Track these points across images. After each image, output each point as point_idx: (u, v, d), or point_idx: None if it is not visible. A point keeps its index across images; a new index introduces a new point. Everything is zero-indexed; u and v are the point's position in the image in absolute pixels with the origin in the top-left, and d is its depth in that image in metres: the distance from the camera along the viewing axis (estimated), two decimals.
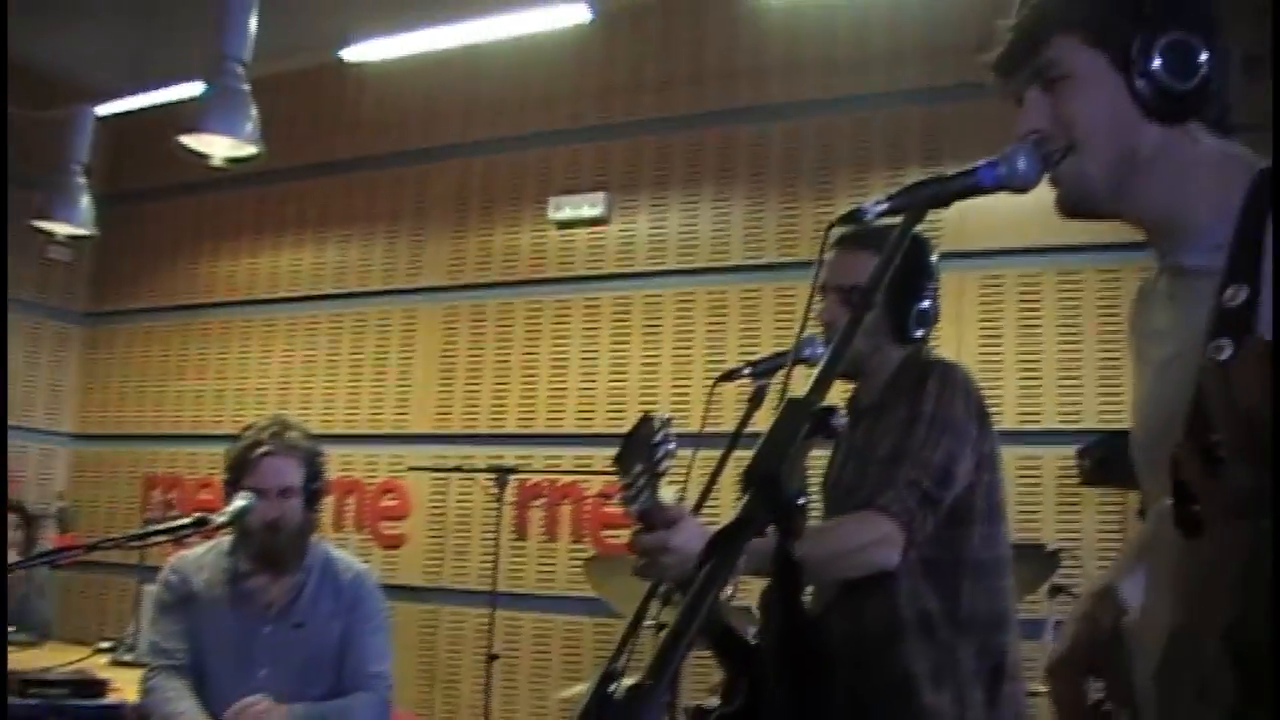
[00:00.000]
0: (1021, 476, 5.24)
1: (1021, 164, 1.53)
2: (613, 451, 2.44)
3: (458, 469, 6.29)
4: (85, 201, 5.89)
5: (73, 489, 7.93)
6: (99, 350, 8.20)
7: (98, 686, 4.22)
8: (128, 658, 5.39)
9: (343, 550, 3.90)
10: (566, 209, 6.62)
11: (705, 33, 6.49)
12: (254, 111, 4.40)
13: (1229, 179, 1.53)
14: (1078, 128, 1.59)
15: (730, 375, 3.31)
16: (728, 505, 1.24)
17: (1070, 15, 1.62)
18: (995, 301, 5.56)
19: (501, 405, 6.67)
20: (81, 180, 5.87)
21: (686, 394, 6.08)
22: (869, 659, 2.65)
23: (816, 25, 6.12)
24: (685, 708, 4.41)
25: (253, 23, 4.47)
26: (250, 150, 4.44)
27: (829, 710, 1.47)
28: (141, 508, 7.48)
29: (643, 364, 6.31)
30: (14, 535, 6.08)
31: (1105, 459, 4.74)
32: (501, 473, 5.69)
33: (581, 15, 6.25)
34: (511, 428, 6.62)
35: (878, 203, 1.56)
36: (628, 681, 2.42)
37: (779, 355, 3.28)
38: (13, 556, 5.62)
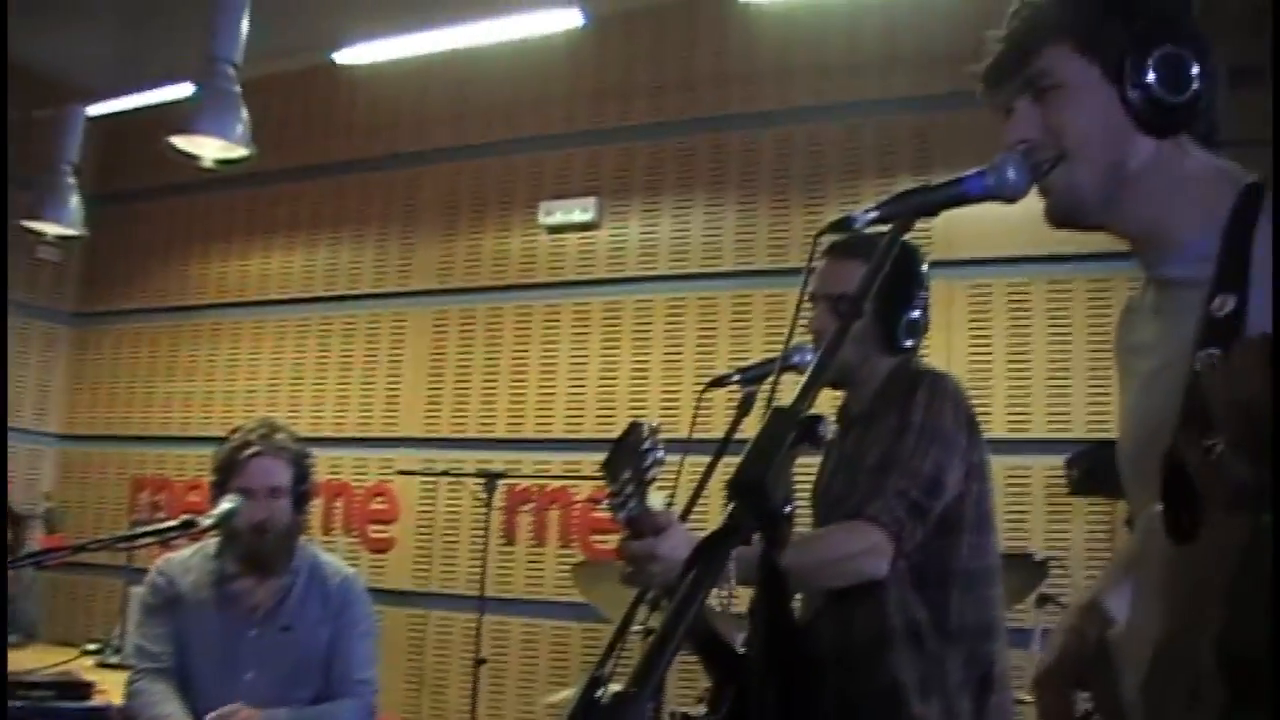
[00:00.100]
0: (1010, 485, 5.24)
1: (1010, 174, 1.53)
2: (602, 457, 2.44)
3: (446, 473, 6.28)
4: (75, 202, 5.88)
5: (60, 490, 7.90)
6: (88, 351, 8.18)
7: (83, 689, 4.21)
8: (114, 660, 5.39)
9: (331, 554, 3.89)
10: (557, 213, 6.61)
11: (697, 39, 6.49)
12: (245, 113, 4.39)
13: (1217, 194, 1.54)
14: (1069, 137, 1.60)
15: (719, 382, 3.31)
16: (716, 512, 1.23)
17: (1064, 25, 1.62)
18: (984, 310, 5.56)
19: (491, 409, 6.66)
20: (71, 180, 5.86)
21: (676, 400, 6.08)
22: (857, 667, 2.64)
23: (808, 32, 6.13)
24: (672, 713, 4.42)
25: (244, 24, 4.46)
26: (241, 152, 4.44)
27: (816, 718, 1.47)
28: (129, 509, 7.48)
29: (633, 369, 6.31)
30: None
31: (1093, 468, 4.75)
32: (490, 477, 5.69)
33: (574, 20, 6.26)
34: (501, 432, 6.61)
35: (866, 211, 1.56)
36: (614, 687, 2.41)
37: (768, 362, 3.28)
38: None
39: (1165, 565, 1.30)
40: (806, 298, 2.93)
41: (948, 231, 5.23)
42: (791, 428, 1.23)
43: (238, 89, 4.40)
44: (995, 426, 5.29)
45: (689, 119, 6.42)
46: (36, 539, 6.80)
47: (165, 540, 3.52)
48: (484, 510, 5.68)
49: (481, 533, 5.72)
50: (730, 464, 1.26)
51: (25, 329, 7.91)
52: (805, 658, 2.67)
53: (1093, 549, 5.20)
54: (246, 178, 6.53)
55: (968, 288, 5.57)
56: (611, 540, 2.47)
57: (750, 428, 1.27)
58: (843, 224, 1.60)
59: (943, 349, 5.38)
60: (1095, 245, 1.74)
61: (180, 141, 4.44)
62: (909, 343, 2.84)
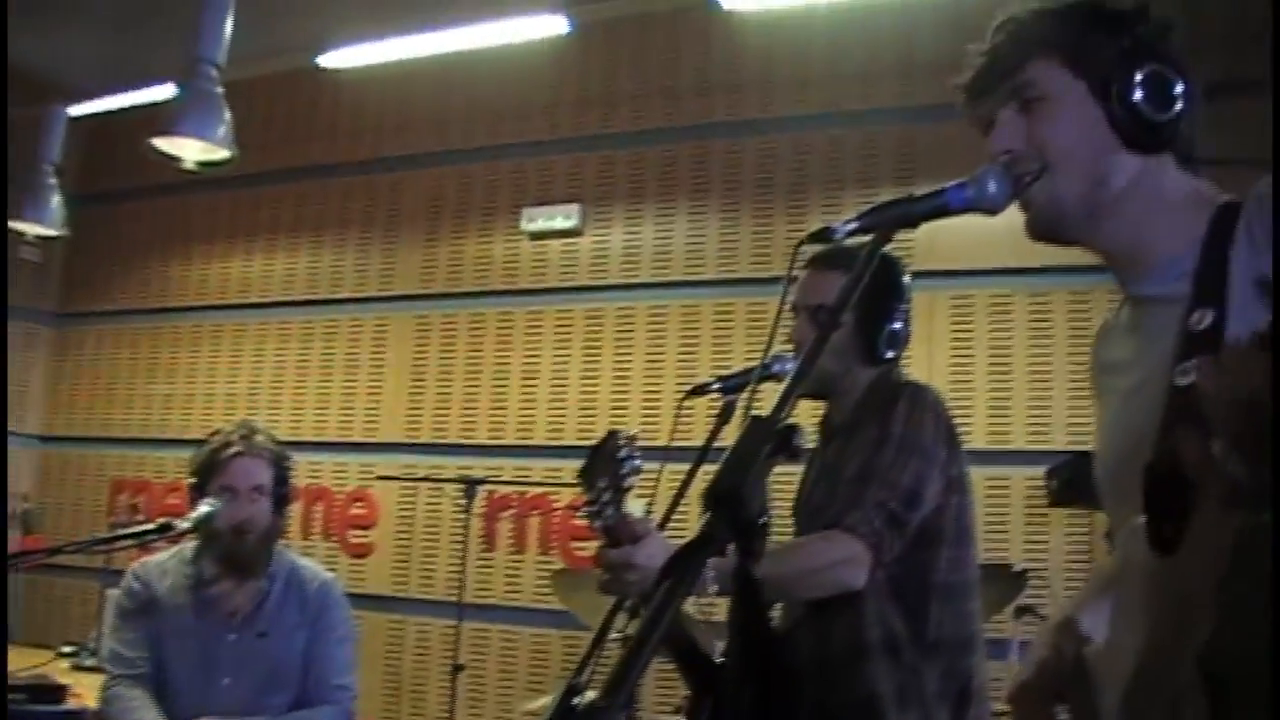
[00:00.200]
0: (990, 496, 5.25)
1: (991, 186, 1.54)
2: (583, 464, 2.44)
3: (426, 479, 6.27)
4: (56, 202, 5.86)
5: (39, 491, 7.86)
6: (68, 351, 8.14)
7: (57, 692, 4.19)
8: (89, 663, 5.36)
9: (309, 559, 3.88)
10: (540, 220, 6.60)
11: (681, 47, 6.49)
12: (227, 115, 4.37)
13: (1194, 214, 1.55)
14: (1053, 150, 1.60)
15: (700, 390, 3.31)
16: (695, 520, 1.23)
17: (1051, 40, 1.63)
18: (966, 322, 5.57)
19: (472, 416, 6.65)
20: (52, 180, 5.84)
21: (657, 407, 6.07)
22: (835, 678, 2.64)
23: (792, 41, 6.13)
24: None
25: (228, 26, 4.44)
26: (222, 154, 4.42)
27: None
28: (108, 511, 7.44)
29: (614, 377, 6.30)
30: None
31: (1073, 480, 4.75)
32: (470, 483, 5.67)
33: (558, 27, 6.25)
34: (481, 438, 6.60)
35: (847, 222, 1.56)
36: (592, 695, 2.41)
37: (749, 371, 3.30)
38: None
39: (1147, 579, 1.30)
40: (787, 308, 2.93)
41: (930, 242, 5.24)
42: (768, 438, 1.23)
43: (220, 91, 4.37)
44: (976, 437, 5.31)
45: (672, 127, 6.42)
46: (14, 540, 6.76)
47: (143, 543, 3.51)
48: (464, 516, 5.66)
49: (461, 539, 5.71)
50: (710, 472, 1.25)
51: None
52: (783, 668, 2.67)
53: (1072, 560, 5.21)
54: (229, 180, 6.50)
55: (949, 299, 5.58)
56: (591, 548, 2.47)
57: (730, 436, 1.27)
58: (823, 234, 1.60)
59: (924, 359, 5.39)
60: (1076, 258, 1.74)
61: (161, 143, 4.42)
62: (890, 354, 2.84)
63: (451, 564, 6.20)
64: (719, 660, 2.61)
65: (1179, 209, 1.58)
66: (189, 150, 4.46)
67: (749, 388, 3.08)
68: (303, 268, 7.33)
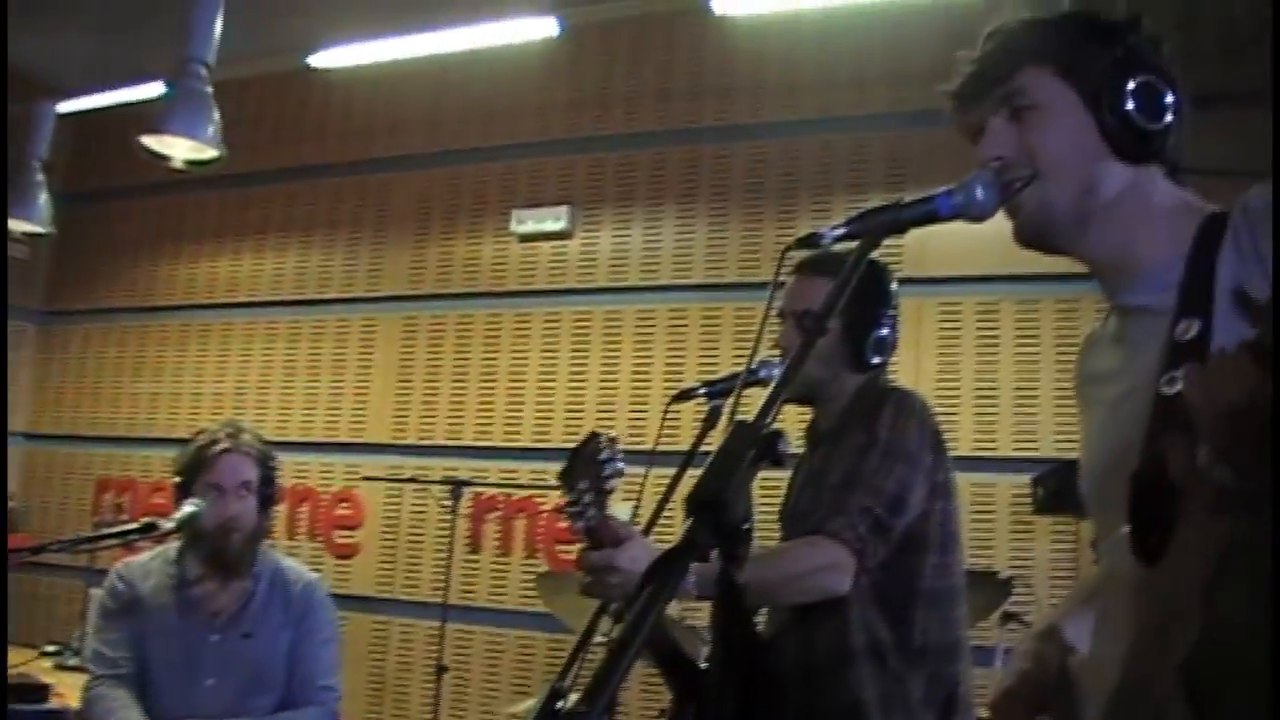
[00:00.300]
0: (976, 503, 5.26)
1: (979, 193, 1.54)
2: (563, 465, 2.44)
3: (413, 480, 6.26)
4: (44, 199, 5.84)
5: (24, 489, 7.84)
6: (55, 349, 8.11)
7: (40, 691, 4.18)
8: (73, 662, 5.35)
9: (293, 559, 3.86)
10: (529, 222, 6.59)
11: (672, 51, 6.49)
12: (216, 114, 4.37)
13: (1182, 224, 1.55)
14: (1044, 157, 1.60)
15: (685, 395, 3.30)
16: (681, 524, 1.22)
17: (1043, 49, 1.63)
18: (953, 328, 5.57)
19: (459, 417, 6.64)
20: (40, 177, 5.83)
21: (644, 411, 6.07)
22: (820, 685, 2.64)
23: (783, 46, 6.13)
24: None
25: (218, 25, 4.43)
26: (211, 153, 4.41)
27: None
28: (93, 510, 7.42)
29: (601, 380, 6.30)
30: None
31: (1059, 488, 4.75)
32: (456, 485, 5.67)
33: (549, 29, 6.24)
34: (468, 440, 6.59)
35: (835, 227, 1.56)
36: (575, 698, 2.41)
37: (736, 376, 3.29)
38: None
39: (1131, 589, 1.30)
40: (774, 313, 2.93)
41: (919, 249, 5.26)
42: (752, 444, 1.22)
43: (209, 90, 4.37)
44: (962, 444, 5.31)
45: (662, 130, 6.42)
46: None
47: (126, 543, 3.50)
48: (449, 518, 5.66)
49: (446, 540, 5.70)
50: (696, 477, 1.25)
51: None
52: (766, 674, 2.67)
53: (1057, 567, 5.22)
54: (219, 179, 6.48)
55: (938, 305, 5.59)
56: (576, 551, 2.47)
57: (716, 441, 1.26)
58: (810, 240, 1.60)
59: (912, 365, 5.39)
60: (1064, 266, 1.74)
61: (150, 141, 4.41)
62: (877, 360, 2.84)
63: (437, 565, 6.19)
64: (703, 665, 2.61)
65: (1167, 218, 1.59)
66: (178, 149, 4.45)
67: (734, 393, 3.08)
68: (291, 267, 7.32)
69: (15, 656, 4.78)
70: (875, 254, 1.55)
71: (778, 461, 1.23)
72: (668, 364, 6.13)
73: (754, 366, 2.82)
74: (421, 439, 6.72)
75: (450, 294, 6.80)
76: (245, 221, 7.51)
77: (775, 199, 6.08)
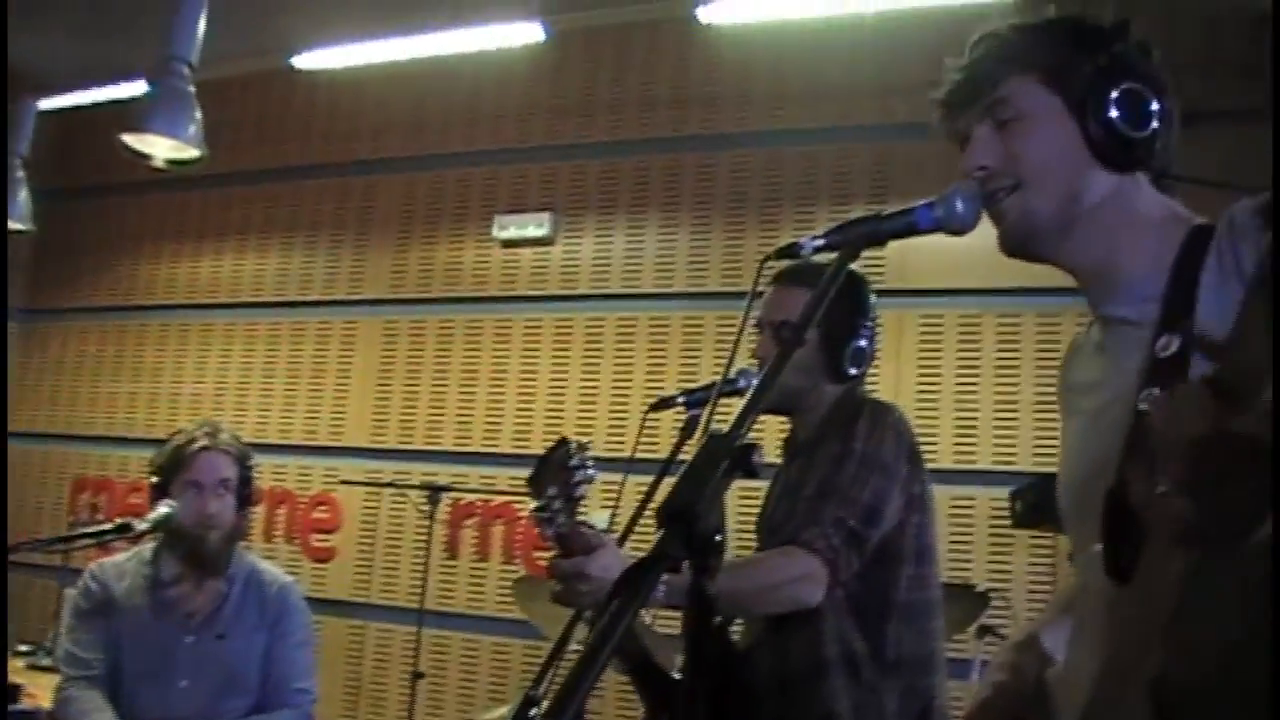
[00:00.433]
0: (954, 516, 5.26)
1: (959, 206, 1.54)
2: (531, 471, 2.43)
3: (391, 484, 6.24)
4: (24, 196, 5.81)
5: None
6: (33, 348, 8.07)
7: (12, 691, 4.15)
8: (46, 662, 5.31)
9: (269, 562, 3.85)
10: (511, 228, 6.58)
11: (657, 59, 6.48)
12: (198, 114, 4.34)
13: (1167, 234, 1.54)
14: (1028, 166, 1.60)
15: (664, 404, 3.30)
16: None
17: (1029, 57, 1.63)
18: (934, 341, 5.58)
19: (438, 422, 6.62)
20: (20, 174, 5.79)
21: (624, 418, 6.06)
22: (795, 696, 2.63)
23: (769, 57, 6.13)
24: None
25: (201, 24, 4.41)
26: (192, 153, 4.38)
27: None
28: (69, 510, 7.39)
29: (581, 387, 6.29)
30: None
31: (1038, 501, 4.76)
32: (434, 490, 5.65)
33: (535, 35, 6.23)
34: (447, 445, 6.58)
35: (814, 238, 1.55)
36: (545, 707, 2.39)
37: (715, 385, 3.28)
38: None
39: (1104, 604, 1.30)
40: (753, 323, 2.93)
41: (901, 262, 5.27)
42: (726, 455, 1.22)
43: (192, 89, 4.34)
44: (941, 457, 5.32)
45: (646, 138, 6.42)
46: None
47: (101, 543, 3.48)
48: (427, 523, 5.64)
49: (424, 545, 5.68)
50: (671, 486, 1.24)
51: None
52: (741, 685, 2.66)
53: (1035, 581, 5.22)
54: (201, 179, 6.48)
55: (919, 318, 5.59)
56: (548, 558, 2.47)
57: (694, 450, 1.26)
58: (790, 250, 1.59)
59: (892, 377, 5.40)
60: (1046, 280, 1.74)
61: (131, 140, 4.39)
62: (854, 371, 2.84)
63: (414, 570, 6.16)
64: (676, 676, 2.60)
65: (1152, 228, 1.58)
66: (159, 148, 4.42)
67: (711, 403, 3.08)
68: (272, 269, 7.30)
69: None
70: (856, 265, 1.55)
71: (751, 473, 1.22)
72: (648, 372, 6.12)
73: (732, 376, 2.82)
74: (401, 443, 6.70)
75: (431, 298, 6.79)
76: (227, 222, 7.49)
77: (758, 209, 6.08)
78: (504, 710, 5.10)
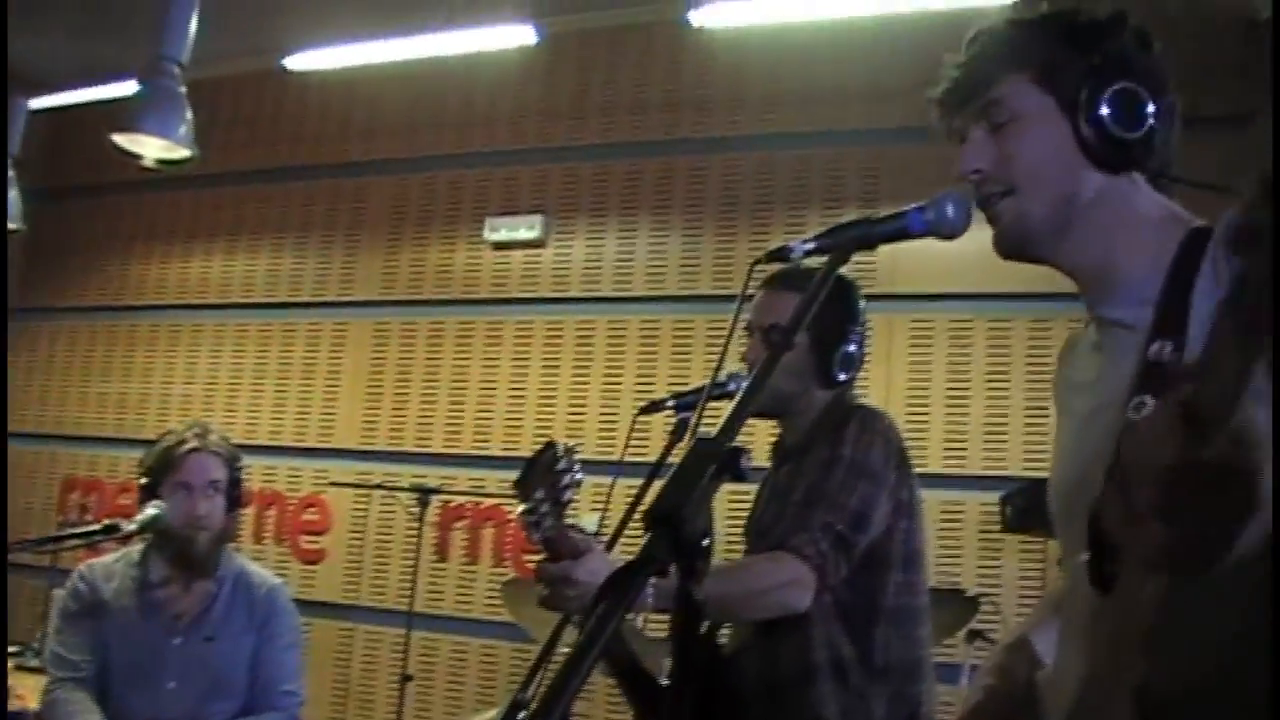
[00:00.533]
0: (944, 521, 5.26)
1: (950, 211, 1.53)
2: (518, 475, 2.42)
3: (381, 486, 6.23)
4: (14, 195, 5.79)
5: None
6: (22, 348, 8.04)
7: None
8: (34, 663, 5.28)
9: (258, 563, 3.84)
10: (503, 230, 6.58)
11: (650, 62, 6.48)
12: (189, 114, 4.33)
13: (1165, 235, 1.54)
14: (1021, 168, 1.60)
15: (654, 407, 3.30)
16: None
17: (1022, 57, 1.62)
18: (925, 345, 5.58)
19: (428, 424, 6.62)
20: (11, 173, 5.78)
21: (614, 421, 6.06)
22: (783, 701, 2.63)
23: (761, 60, 6.13)
24: None
25: (193, 24, 4.40)
26: (183, 153, 4.37)
27: None
28: (58, 510, 7.37)
29: (572, 389, 6.29)
30: None
31: (1028, 506, 4.76)
32: (424, 492, 5.64)
33: (527, 37, 6.22)
34: (437, 447, 6.57)
35: (804, 242, 1.55)
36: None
37: (704, 388, 3.27)
38: None
39: (1090, 611, 1.30)
40: (742, 327, 2.93)
41: (892, 266, 5.27)
42: (713, 459, 1.21)
43: (183, 89, 4.33)
44: (931, 461, 5.32)
45: (638, 141, 6.42)
46: None
47: (90, 544, 3.46)
48: (417, 525, 5.63)
49: (413, 547, 5.67)
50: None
51: None
52: (729, 689, 2.66)
53: (1025, 586, 5.22)
54: (192, 179, 6.47)
55: (909, 322, 5.59)
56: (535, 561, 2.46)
57: (683, 454, 1.26)
58: (780, 254, 1.59)
59: (883, 381, 5.40)
60: (1037, 285, 1.74)
61: (122, 139, 4.38)
62: (844, 376, 2.83)
63: (403, 573, 6.16)
64: (663, 680, 2.59)
65: (1148, 229, 1.57)
66: (150, 148, 4.42)
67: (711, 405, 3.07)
68: (263, 270, 7.28)
69: None
70: (847, 269, 1.54)
71: (739, 477, 1.22)
72: (639, 375, 6.12)
73: (722, 379, 2.82)
74: (390, 445, 6.70)
75: (422, 300, 6.78)
76: (217, 222, 7.48)
77: (750, 212, 6.08)
78: (492, 713, 5.08)
